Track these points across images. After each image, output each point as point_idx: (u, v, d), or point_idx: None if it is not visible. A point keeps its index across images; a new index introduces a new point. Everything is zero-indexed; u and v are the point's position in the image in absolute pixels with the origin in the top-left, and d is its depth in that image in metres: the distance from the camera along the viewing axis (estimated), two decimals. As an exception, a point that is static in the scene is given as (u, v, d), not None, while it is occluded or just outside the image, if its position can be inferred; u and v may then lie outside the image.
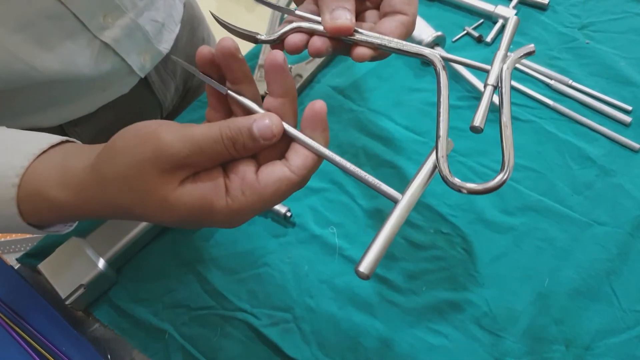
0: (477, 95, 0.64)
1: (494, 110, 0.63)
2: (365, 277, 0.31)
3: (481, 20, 0.72)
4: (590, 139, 0.60)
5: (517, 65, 0.66)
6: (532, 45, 0.35)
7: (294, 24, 0.38)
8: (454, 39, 0.71)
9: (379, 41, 0.36)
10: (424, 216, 0.57)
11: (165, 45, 0.65)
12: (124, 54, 0.58)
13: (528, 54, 0.36)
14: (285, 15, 0.41)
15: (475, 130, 0.34)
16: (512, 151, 0.32)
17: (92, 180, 0.34)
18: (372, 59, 0.38)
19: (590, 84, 0.64)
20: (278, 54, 0.32)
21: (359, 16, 0.40)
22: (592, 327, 0.49)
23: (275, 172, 0.32)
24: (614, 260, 0.52)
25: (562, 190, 0.57)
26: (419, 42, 0.67)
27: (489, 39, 0.69)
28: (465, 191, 0.32)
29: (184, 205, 0.32)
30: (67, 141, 0.39)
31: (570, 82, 0.64)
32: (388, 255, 0.55)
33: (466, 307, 0.51)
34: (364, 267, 0.31)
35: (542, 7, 0.72)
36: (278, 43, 0.39)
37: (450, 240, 0.55)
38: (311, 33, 0.38)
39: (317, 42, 0.37)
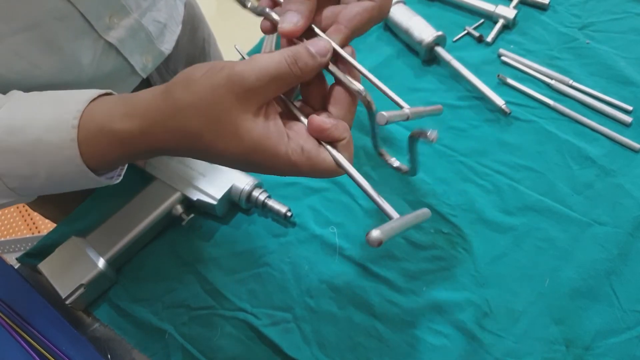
0: (478, 95, 0.64)
1: (495, 110, 0.63)
2: (377, 242, 0.31)
3: (482, 20, 0.72)
4: (590, 139, 0.60)
5: (518, 65, 0.66)
6: (436, 131, 0.35)
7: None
8: (454, 39, 0.71)
9: (341, 77, 0.40)
10: (424, 216, 0.57)
11: (167, 45, 0.65)
12: (127, 54, 0.59)
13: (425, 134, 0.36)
14: None
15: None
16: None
17: (163, 106, 0.35)
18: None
19: (591, 84, 0.64)
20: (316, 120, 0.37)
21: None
22: (592, 327, 0.49)
23: (328, 159, 0.37)
24: (614, 260, 0.52)
25: (562, 190, 0.57)
26: (420, 42, 0.67)
27: (489, 39, 0.69)
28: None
29: (251, 139, 0.34)
30: (108, 93, 0.40)
31: (570, 82, 0.64)
32: (388, 255, 0.55)
33: (466, 307, 0.51)
34: (376, 233, 0.31)
35: (542, 7, 0.72)
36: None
37: (450, 240, 0.55)
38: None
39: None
